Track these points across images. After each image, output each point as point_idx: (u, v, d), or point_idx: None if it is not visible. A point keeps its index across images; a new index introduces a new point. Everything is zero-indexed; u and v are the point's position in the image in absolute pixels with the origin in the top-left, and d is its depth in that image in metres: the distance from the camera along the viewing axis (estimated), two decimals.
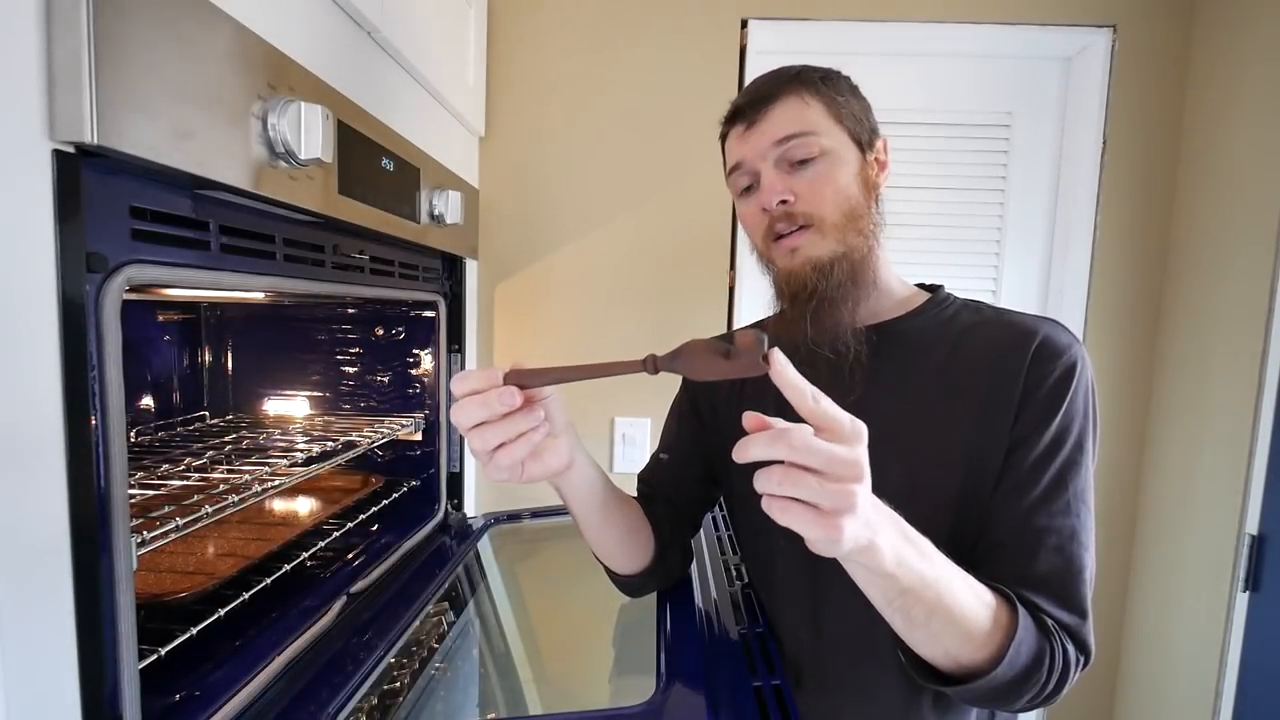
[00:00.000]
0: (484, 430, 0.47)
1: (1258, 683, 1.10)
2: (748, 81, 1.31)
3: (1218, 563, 1.17)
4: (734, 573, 0.79)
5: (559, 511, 1.12)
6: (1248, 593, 1.12)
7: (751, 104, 0.64)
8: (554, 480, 0.58)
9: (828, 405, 0.42)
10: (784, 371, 0.42)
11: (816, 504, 0.40)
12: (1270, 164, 1.11)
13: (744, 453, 0.41)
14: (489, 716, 0.79)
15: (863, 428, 0.42)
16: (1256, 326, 1.11)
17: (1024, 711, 0.56)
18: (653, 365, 0.46)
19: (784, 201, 0.62)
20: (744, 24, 1.31)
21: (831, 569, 0.63)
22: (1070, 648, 0.53)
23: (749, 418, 0.42)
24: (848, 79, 0.67)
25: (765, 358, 0.42)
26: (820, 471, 0.39)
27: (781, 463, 0.40)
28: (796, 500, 0.40)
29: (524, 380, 0.47)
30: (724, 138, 0.69)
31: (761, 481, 0.40)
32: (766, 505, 0.41)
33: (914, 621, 0.49)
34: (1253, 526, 1.11)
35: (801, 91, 0.63)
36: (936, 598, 0.48)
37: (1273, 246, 1.09)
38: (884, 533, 0.44)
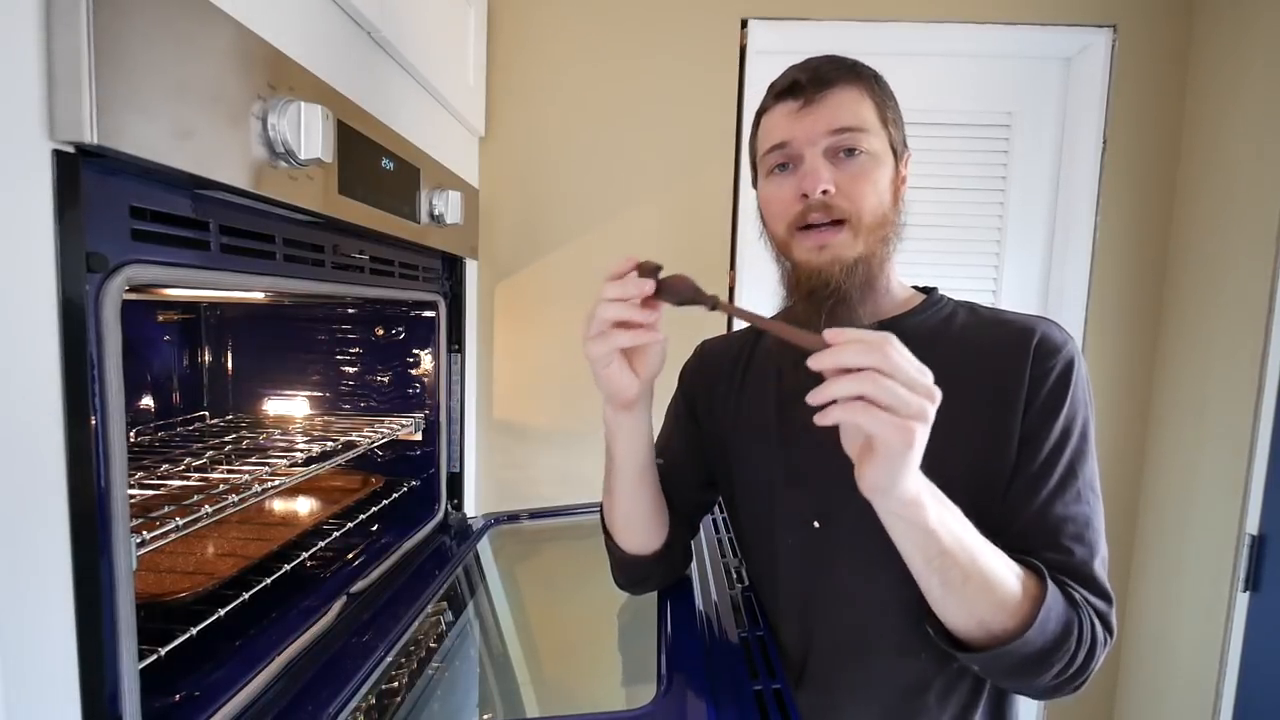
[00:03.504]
0: (615, 305, 0.52)
1: (1258, 683, 1.10)
2: (748, 82, 1.31)
3: (1218, 563, 1.18)
4: (734, 575, 0.79)
5: (558, 512, 1.12)
6: (1248, 593, 1.12)
7: (812, 83, 0.61)
8: (615, 414, 0.61)
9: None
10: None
11: (894, 408, 0.42)
12: (1270, 164, 1.11)
13: (836, 358, 0.43)
14: (486, 718, 0.79)
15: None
16: (1256, 326, 1.11)
17: (1048, 694, 0.56)
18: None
19: (825, 191, 0.60)
20: (744, 24, 1.31)
21: (831, 570, 0.64)
22: (1099, 625, 0.55)
23: (831, 332, 0.44)
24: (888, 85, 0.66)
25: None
26: (904, 383, 0.43)
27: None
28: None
29: (660, 283, 0.53)
30: (765, 111, 0.65)
31: (840, 385, 0.43)
32: (841, 409, 0.43)
33: (950, 584, 0.51)
34: (1253, 526, 1.11)
35: (859, 85, 0.62)
36: (971, 561, 0.50)
37: (1273, 246, 1.09)
38: (925, 491, 0.48)
